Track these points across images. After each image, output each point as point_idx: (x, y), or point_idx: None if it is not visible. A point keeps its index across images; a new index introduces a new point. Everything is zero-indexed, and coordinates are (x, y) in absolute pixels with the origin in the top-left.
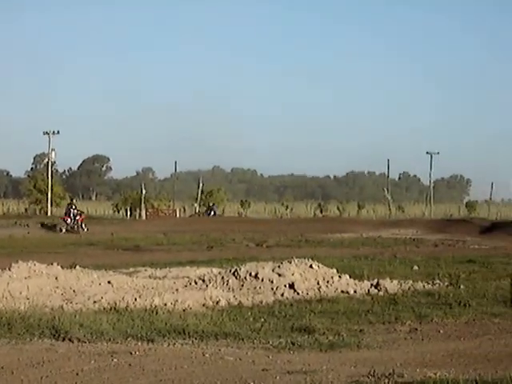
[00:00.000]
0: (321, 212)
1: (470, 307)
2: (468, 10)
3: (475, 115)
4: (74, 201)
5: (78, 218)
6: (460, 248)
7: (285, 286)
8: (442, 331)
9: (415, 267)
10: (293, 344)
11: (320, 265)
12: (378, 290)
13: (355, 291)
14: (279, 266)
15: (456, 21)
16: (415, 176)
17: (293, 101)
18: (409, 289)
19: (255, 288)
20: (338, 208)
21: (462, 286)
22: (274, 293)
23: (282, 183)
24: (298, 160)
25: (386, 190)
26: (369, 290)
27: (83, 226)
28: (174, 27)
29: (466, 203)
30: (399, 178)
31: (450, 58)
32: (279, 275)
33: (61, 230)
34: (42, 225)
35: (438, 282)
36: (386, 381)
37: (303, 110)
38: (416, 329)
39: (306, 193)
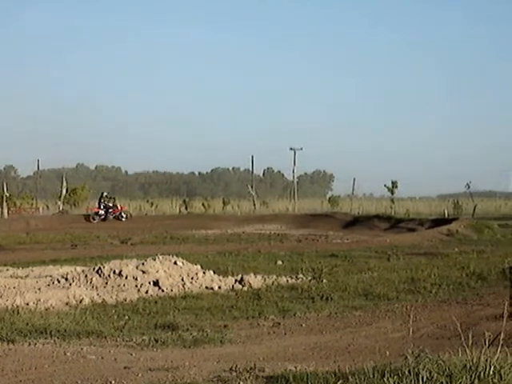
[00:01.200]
0: (186, 208)
1: (332, 301)
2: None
3: (338, 111)
4: (105, 194)
5: (110, 210)
6: (323, 242)
7: (149, 283)
8: (304, 325)
9: (279, 262)
10: (156, 341)
11: (184, 261)
12: (242, 286)
13: (219, 287)
14: (143, 264)
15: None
16: (279, 172)
17: (157, 97)
18: (272, 284)
19: (119, 286)
20: (202, 204)
21: (324, 280)
22: (139, 290)
23: (147, 180)
24: (163, 156)
25: (250, 186)
26: (233, 286)
27: (122, 215)
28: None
29: (329, 198)
30: (263, 174)
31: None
32: (143, 272)
33: (94, 219)
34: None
35: (301, 276)
36: (247, 375)
37: (169, 105)
38: (279, 323)
39: (171, 189)
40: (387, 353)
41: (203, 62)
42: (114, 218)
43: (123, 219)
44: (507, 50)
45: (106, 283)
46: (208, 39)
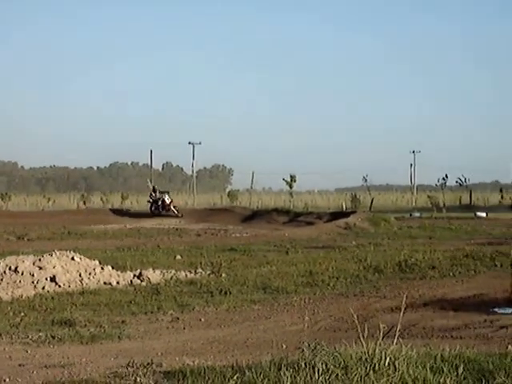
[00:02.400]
0: (84, 204)
1: (231, 295)
2: None
3: (237, 105)
4: (156, 186)
5: (159, 203)
6: (222, 237)
7: (46, 279)
8: (203, 319)
9: (178, 257)
10: (53, 337)
11: (82, 257)
12: (141, 281)
13: (118, 282)
14: (40, 259)
15: None
16: (178, 166)
17: (55, 92)
18: (171, 278)
19: (15, 282)
20: (101, 199)
21: (223, 275)
22: (35, 286)
23: (44, 175)
24: (61, 151)
25: (149, 180)
26: (131, 281)
27: (173, 209)
28: None
29: (228, 192)
30: (162, 169)
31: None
32: (40, 268)
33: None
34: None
35: (200, 270)
36: (145, 371)
37: (67, 100)
38: (178, 318)
39: (69, 184)
40: (284, 346)
41: (103, 57)
42: (161, 212)
43: (174, 213)
44: None
45: (2, 279)
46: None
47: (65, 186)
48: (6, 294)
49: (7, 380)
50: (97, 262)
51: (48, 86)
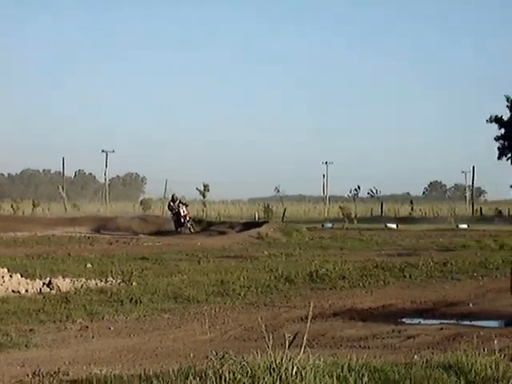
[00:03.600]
0: None
1: (142, 303)
2: None
3: (149, 112)
4: (175, 195)
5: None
6: (134, 245)
7: None
8: (112, 328)
9: (89, 265)
10: None
11: None
12: (51, 289)
13: (27, 290)
14: None
15: None
16: (91, 174)
17: None
18: (81, 287)
19: None
20: (11, 206)
21: (134, 283)
22: None
23: None
24: None
25: (61, 187)
26: (41, 289)
27: (187, 224)
28: None
29: (141, 201)
30: (75, 176)
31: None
32: None
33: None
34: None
35: (110, 279)
36: (51, 379)
37: None
38: (87, 326)
39: None
40: (191, 355)
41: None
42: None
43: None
44: None
45: None
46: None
47: None
48: None
49: None
50: (5, 270)
51: None
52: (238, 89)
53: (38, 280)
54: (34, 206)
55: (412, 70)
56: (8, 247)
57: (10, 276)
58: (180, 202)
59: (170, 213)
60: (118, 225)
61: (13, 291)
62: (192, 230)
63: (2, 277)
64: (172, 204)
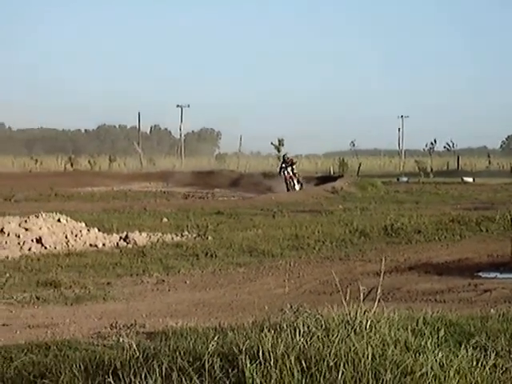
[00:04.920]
0: (71, 166)
1: (217, 257)
2: None
3: (225, 68)
4: (286, 155)
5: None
6: (209, 200)
7: (32, 240)
8: (188, 282)
9: (165, 219)
10: (38, 298)
11: (68, 219)
12: (127, 243)
13: (104, 244)
14: (26, 221)
15: None
16: (166, 129)
17: (42, 54)
18: (157, 241)
19: (1, 243)
20: (89, 162)
21: (209, 238)
22: (21, 247)
23: (31, 136)
24: (48, 113)
25: (136, 143)
26: (117, 243)
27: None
28: None
29: (216, 156)
30: (150, 132)
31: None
32: (26, 230)
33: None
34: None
35: (186, 233)
36: (128, 331)
37: (52, 63)
38: (163, 280)
39: (57, 146)
40: (266, 308)
41: (80, 19)
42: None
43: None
44: None
45: None
46: None
47: (52, 148)
48: None
49: None
50: (83, 224)
51: (34, 49)
52: (310, 42)
53: (114, 234)
54: (110, 161)
55: None
56: (85, 202)
57: (88, 230)
58: (292, 162)
59: (282, 174)
60: (191, 179)
61: (90, 245)
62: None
63: (80, 231)
64: (284, 165)
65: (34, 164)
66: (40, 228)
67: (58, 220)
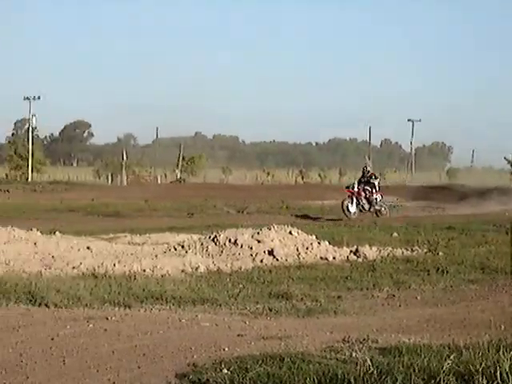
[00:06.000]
0: (302, 178)
1: (448, 274)
2: None
3: (457, 84)
4: (369, 167)
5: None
6: (439, 215)
7: (264, 252)
8: (419, 297)
9: (395, 234)
10: (270, 310)
11: (299, 231)
12: (357, 257)
13: (334, 258)
14: (258, 233)
15: None
16: (397, 143)
17: (275, 68)
18: (388, 255)
19: (234, 254)
20: (319, 175)
21: (440, 253)
22: (253, 259)
23: (264, 150)
24: (280, 127)
25: (367, 157)
26: (348, 257)
27: (378, 202)
28: None
29: (448, 170)
30: (381, 145)
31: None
32: (258, 242)
33: (348, 210)
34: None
35: (416, 248)
36: (360, 346)
37: (286, 76)
38: (393, 295)
39: (288, 160)
40: (502, 327)
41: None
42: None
43: (383, 212)
44: None
45: (222, 251)
46: None
47: (284, 161)
48: (226, 265)
49: (226, 349)
50: (314, 237)
51: (268, 62)
52: None
53: (345, 248)
54: (340, 174)
55: None
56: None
57: (319, 243)
58: (374, 176)
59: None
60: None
61: (321, 258)
62: (380, 213)
63: (311, 244)
64: (363, 179)
65: (265, 176)
66: (272, 240)
67: (290, 232)
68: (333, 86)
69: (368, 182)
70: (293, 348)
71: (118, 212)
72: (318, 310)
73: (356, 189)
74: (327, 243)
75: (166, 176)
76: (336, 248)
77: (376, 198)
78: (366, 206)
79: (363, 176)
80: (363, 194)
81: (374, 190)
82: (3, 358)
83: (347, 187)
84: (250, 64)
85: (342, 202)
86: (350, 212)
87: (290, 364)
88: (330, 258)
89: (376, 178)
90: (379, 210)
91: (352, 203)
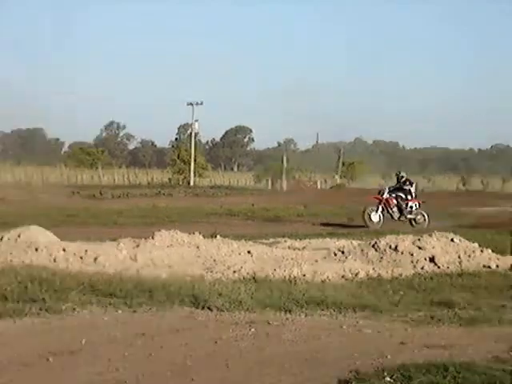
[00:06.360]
0: (463, 185)
1: None
2: None
3: None
4: (404, 173)
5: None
6: None
7: (425, 259)
8: None
9: None
10: (432, 318)
11: (461, 238)
12: None
13: (497, 266)
14: (419, 239)
15: None
16: None
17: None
18: None
19: (394, 261)
20: (481, 181)
21: None
22: (414, 266)
23: (424, 156)
24: (440, 132)
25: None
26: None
27: (413, 211)
28: None
29: None
30: None
31: None
32: (419, 248)
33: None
34: None
35: None
36: None
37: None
38: None
39: (449, 166)
40: None
41: None
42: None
43: (419, 221)
44: None
45: (382, 258)
46: None
47: (445, 168)
48: (386, 272)
49: (389, 356)
50: (476, 245)
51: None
52: None
53: (509, 256)
54: (503, 181)
55: None
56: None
57: (481, 251)
58: (409, 182)
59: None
60: None
61: (483, 266)
62: (416, 222)
63: (473, 251)
64: (398, 185)
65: (426, 183)
66: (433, 247)
67: (451, 239)
68: (495, 91)
69: (401, 189)
70: (457, 357)
71: (278, 217)
72: (482, 319)
73: (386, 195)
74: (490, 251)
75: (325, 181)
76: (500, 256)
77: (411, 206)
78: (396, 215)
79: (398, 182)
80: (394, 201)
81: (408, 197)
82: (169, 360)
83: (379, 193)
84: (403, 76)
85: (364, 211)
86: (372, 221)
87: (454, 373)
88: (493, 266)
89: (411, 184)
90: (414, 219)
91: (376, 211)
